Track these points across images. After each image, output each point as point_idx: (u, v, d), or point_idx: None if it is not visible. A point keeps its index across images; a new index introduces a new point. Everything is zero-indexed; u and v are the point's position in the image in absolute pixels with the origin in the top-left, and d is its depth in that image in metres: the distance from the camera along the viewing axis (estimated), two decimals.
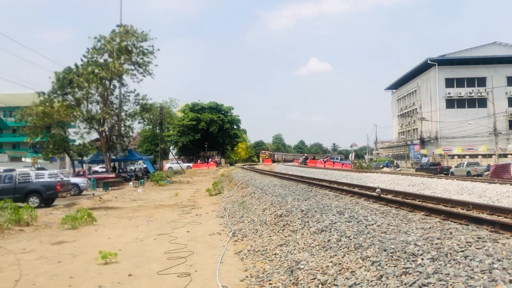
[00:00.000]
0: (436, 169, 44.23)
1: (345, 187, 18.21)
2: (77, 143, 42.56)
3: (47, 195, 19.41)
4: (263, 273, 7.28)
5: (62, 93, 36.15)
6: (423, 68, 66.94)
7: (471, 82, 63.23)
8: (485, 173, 35.83)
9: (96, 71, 35.37)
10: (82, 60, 36.77)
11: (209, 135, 78.70)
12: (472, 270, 4.72)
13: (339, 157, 77.41)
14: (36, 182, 19.53)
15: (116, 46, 36.39)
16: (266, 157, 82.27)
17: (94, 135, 40.58)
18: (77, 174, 31.87)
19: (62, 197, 20.56)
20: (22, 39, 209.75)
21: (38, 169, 27.90)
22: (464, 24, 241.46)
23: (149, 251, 9.97)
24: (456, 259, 5.13)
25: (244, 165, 70.53)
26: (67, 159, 43.45)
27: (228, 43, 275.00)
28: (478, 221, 8.03)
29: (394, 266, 5.43)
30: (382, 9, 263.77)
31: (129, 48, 37.31)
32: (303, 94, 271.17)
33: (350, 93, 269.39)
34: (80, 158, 42.67)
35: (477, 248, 5.49)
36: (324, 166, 58.90)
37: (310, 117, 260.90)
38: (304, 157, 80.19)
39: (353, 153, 61.11)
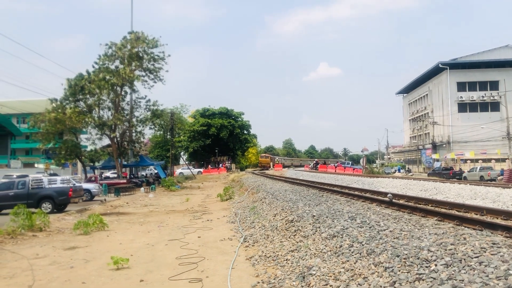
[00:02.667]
0: (448, 174, 43.82)
1: (356, 192, 18.11)
2: (88, 149, 42.94)
3: (60, 201, 19.56)
4: (274, 279, 7.24)
5: (74, 100, 36.51)
6: (435, 72, 66.52)
7: (483, 85, 62.67)
8: (499, 178, 35.39)
9: (108, 77, 35.65)
10: (93, 66, 37.13)
11: (220, 141, 78.78)
12: (487, 276, 4.66)
13: (350, 162, 77.09)
14: (49, 188, 19.70)
15: (127, 53, 36.69)
16: (277, 162, 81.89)
17: (106, 141, 40.92)
18: (89, 180, 32.12)
19: (74, 202, 20.71)
20: (35, 47, 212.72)
21: (50, 175, 28.16)
22: (475, 27, 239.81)
23: (161, 257, 9.99)
24: (471, 265, 5.06)
25: (254, 170, 70.47)
26: (79, 165, 43.87)
27: (237, 49, 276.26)
28: (493, 227, 7.93)
29: (408, 272, 5.37)
30: (390, 14, 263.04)
31: (140, 55, 37.57)
32: (313, 99, 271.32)
33: (361, 98, 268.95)
34: (91, 164, 42.99)
35: (492, 254, 5.41)
36: (335, 171, 58.66)
37: (320, 122, 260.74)
38: (315, 162, 79.97)
39: (364, 158, 60.79)
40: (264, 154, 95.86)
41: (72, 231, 13.95)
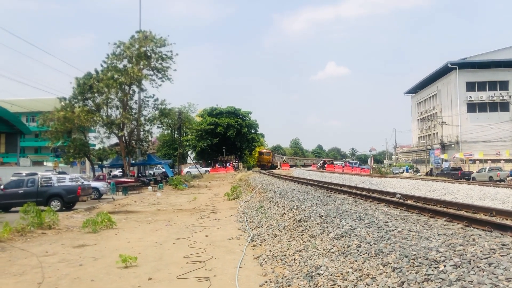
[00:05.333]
0: (457, 174, 43.51)
1: (364, 192, 18.05)
2: (97, 147, 43.23)
3: (68, 199, 19.70)
4: (282, 278, 7.25)
5: (83, 99, 36.82)
6: (444, 71, 66.08)
7: (492, 85, 62.17)
8: (508, 178, 35.11)
9: (116, 76, 35.91)
10: (102, 65, 37.44)
11: (227, 140, 78.79)
12: (497, 277, 4.63)
13: (358, 162, 76.82)
14: (58, 186, 19.86)
15: (135, 52, 36.92)
16: (284, 162, 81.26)
17: (114, 140, 41.22)
18: (97, 178, 32.31)
19: (83, 201, 20.85)
20: (44, 46, 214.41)
21: (59, 173, 28.35)
22: (485, 27, 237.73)
23: (169, 255, 10.03)
24: (480, 266, 5.04)
25: (262, 169, 70.25)
26: (87, 163, 44.12)
27: (245, 48, 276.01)
28: (502, 228, 7.87)
29: (416, 273, 5.35)
30: (399, 12, 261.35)
31: (148, 54, 37.79)
32: (321, 98, 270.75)
33: (369, 97, 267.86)
34: (100, 163, 43.25)
35: (501, 255, 5.38)
36: (343, 171, 58.52)
37: (328, 121, 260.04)
38: (322, 161, 79.57)
39: (372, 157, 60.57)
40: (265, 150, 78.07)
41: (81, 229, 14.07)
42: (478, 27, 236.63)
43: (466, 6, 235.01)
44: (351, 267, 6.47)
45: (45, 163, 57.05)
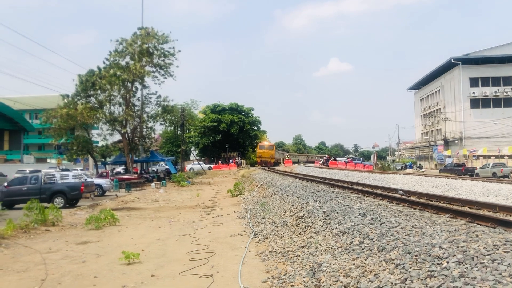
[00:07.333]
0: (460, 170, 43.37)
1: (367, 189, 18.02)
2: (100, 144, 43.31)
3: (72, 196, 19.74)
4: (285, 275, 7.24)
5: (85, 96, 36.88)
6: (447, 67, 65.81)
7: (496, 81, 61.90)
8: None
9: (118, 73, 35.92)
10: (104, 62, 37.45)
11: (230, 136, 78.82)
12: (500, 274, 4.60)
13: (361, 158, 76.63)
14: (61, 183, 19.89)
15: (138, 49, 36.90)
16: (287, 158, 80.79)
17: (117, 137, 41.27)
18: (100, 175, 32.37)
19: (86, 197, 20.88)
20: (46, 43, 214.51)
21: (62, 170, 28.41)
22: (489, 22, 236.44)
23: (172, 252, 10.04)
24: (483, 263, 5.01)
25: (264, 166, 70.08)
26: (91, 160, 44.26)
27: (247, 45, 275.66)
28: (506, 224, 7.85)
29: (419, 269, 5.33)
30: (402, 8, 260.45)
31: (150, 50, 37.77)
32: (323, 95, 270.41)
33: (372, 94, 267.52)
34: (103, 160, 43.33)
35: (505, 252, 5.35)
36: (346, 167, 58.39)
37: (331, 118, 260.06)
38: (325, 158, 79.32)
39: (375, 154, 60.36)
40: (266, 143, 67.20)
41: (84, 226, 14.10)
42: (482, 22, 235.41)
43: (469, 2, 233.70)
44: (354, 264, 6.45)
45: (48, 160, 57.32)
